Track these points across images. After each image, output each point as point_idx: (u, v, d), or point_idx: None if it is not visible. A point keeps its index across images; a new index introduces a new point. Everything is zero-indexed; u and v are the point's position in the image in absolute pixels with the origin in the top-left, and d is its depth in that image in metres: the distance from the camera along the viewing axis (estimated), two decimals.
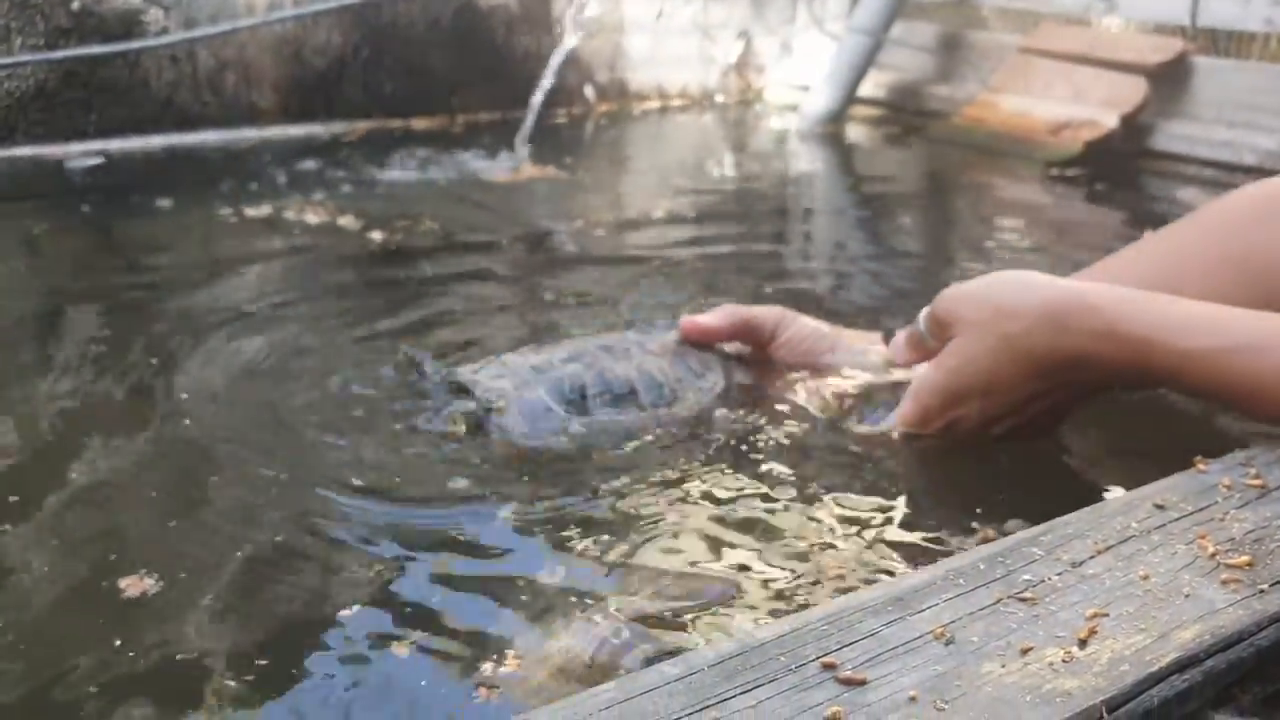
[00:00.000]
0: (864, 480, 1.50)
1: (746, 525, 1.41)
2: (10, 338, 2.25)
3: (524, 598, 1.27)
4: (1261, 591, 0.95)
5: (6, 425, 1.80)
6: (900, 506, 1.45)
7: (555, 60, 3.89)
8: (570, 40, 3.97)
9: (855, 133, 4.25)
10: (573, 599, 1.25)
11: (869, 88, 4.37)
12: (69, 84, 3.51)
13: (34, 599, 1.30)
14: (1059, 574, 0.92)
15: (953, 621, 0.82)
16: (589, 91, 4.46)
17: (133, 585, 1.30)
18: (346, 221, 2.87)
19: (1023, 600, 0.86)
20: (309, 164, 3.47)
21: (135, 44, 3.52)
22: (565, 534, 1.39)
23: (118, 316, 2.33)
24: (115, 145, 3.59)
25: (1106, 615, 0.87)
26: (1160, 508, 1.09)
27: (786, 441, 1.61)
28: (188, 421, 1.77)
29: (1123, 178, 3.55)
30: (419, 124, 4.09)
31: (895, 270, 2.78)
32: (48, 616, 1.28)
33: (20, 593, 1.32)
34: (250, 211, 2.96)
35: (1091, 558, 0.97)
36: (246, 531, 1.42)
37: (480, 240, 2.86)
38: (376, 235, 2.79)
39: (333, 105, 3.93)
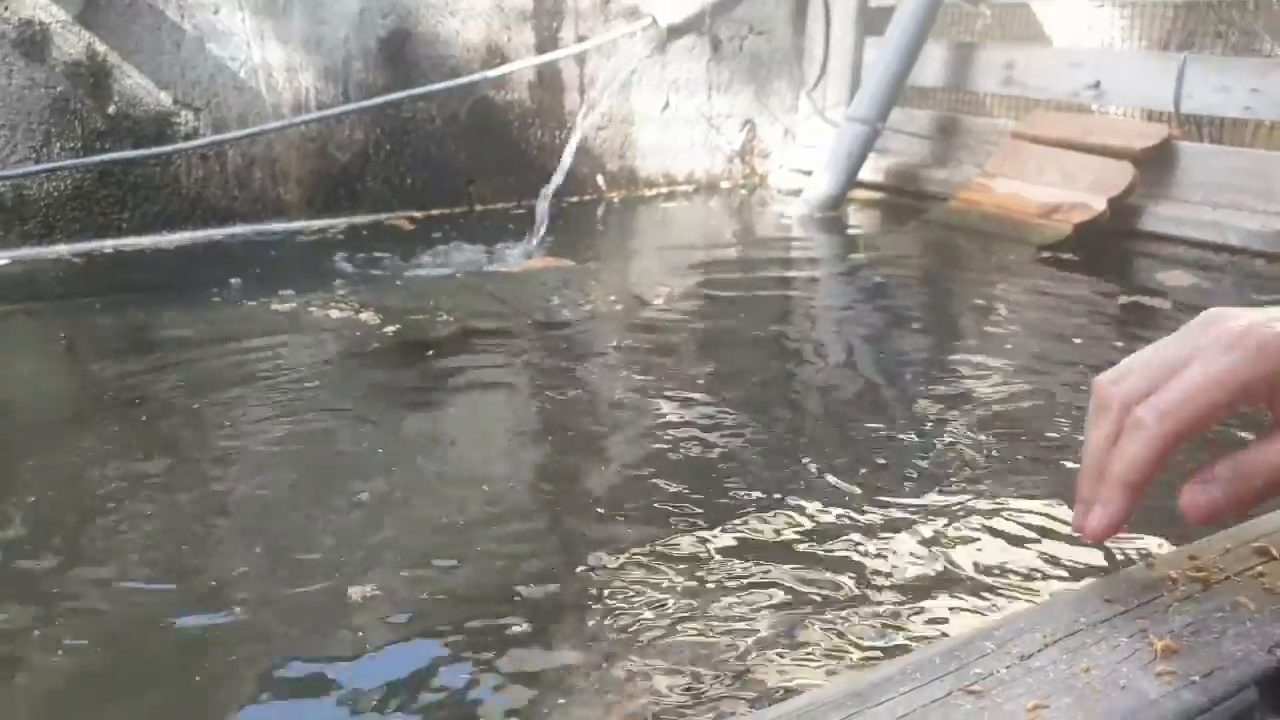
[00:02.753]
0: None
1: None
2: (50, 432, 2.39)
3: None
4: (1193, 682, 1.06)
5: (46, 505, 1.94)
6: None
7: (567, 157, 4.06)
8: (580, 135, 4.14)
9: (856, 216, 4.40)
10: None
11: (869, 172, 4.53)
12: (104, 183, 3.71)
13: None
14: (1007, 667, 1.03)
15: (906, 715, 0.93)
16: (600, 180, 4.64)
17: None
18: (367, 316, 3.02)
19: (971, 693, 0.97)
20: (332, 256, 3.63)
21: (168, 148, 3.72)
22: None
23: (147, 408, 2.47)
24: (148, 241, 3.78)
25: (1047, 707, 0.97)
26: (1109, 601, 1.20)
27: None
28: (223, 505, 1.91)
29: (1111, 258, 3.68)
30: (438, 214, 4.27)
31: (895, 347, 2.91)
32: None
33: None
34: (276, 306, 3.11)
35: (1039, 650, 1.08)
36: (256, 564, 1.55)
37: (492, 329, 3.01)
38: (393, 329, 2.93)
39: (356, 198, 4.12)
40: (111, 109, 3.65)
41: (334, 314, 3.05)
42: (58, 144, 3.59)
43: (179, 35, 3.71)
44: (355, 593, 1.65)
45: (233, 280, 3.37)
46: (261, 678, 1.47)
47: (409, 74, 4.12)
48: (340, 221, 4.09)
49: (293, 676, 1.48)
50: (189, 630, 1.59)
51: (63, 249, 3.65)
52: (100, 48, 3.59)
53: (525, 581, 1.69)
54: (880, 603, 1.62)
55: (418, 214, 4.24)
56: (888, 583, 1.68)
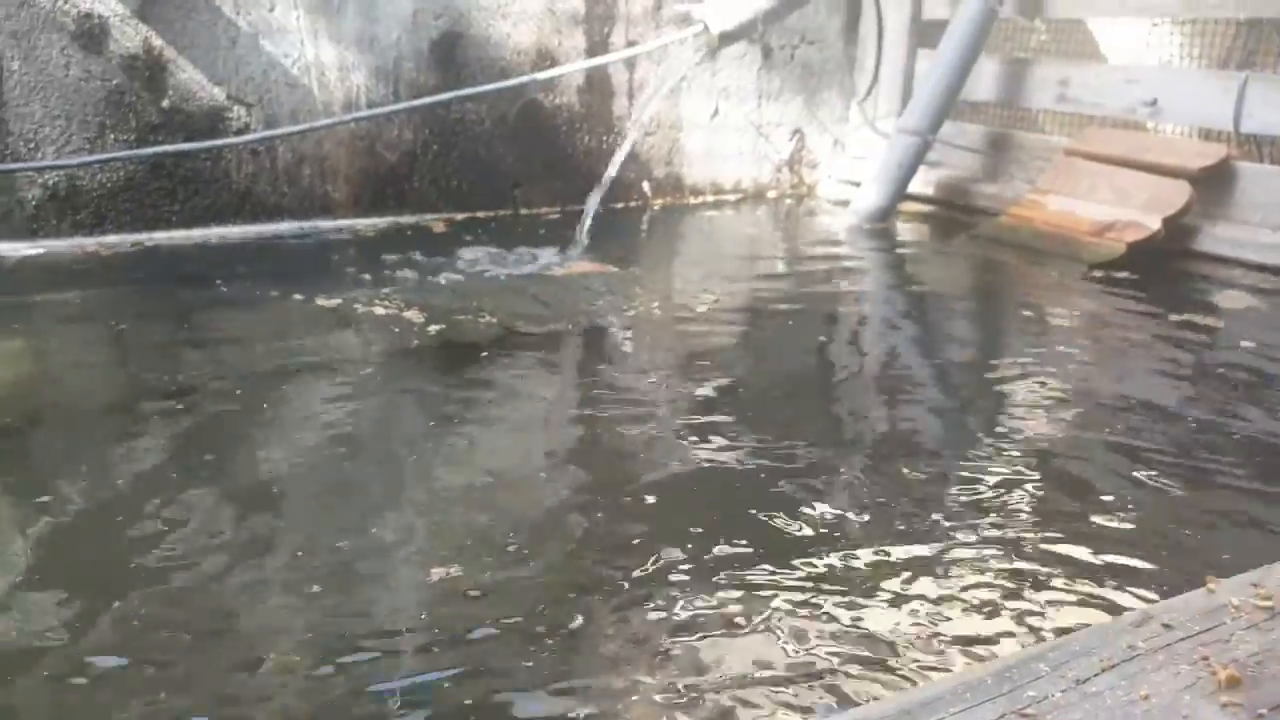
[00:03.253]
0: None
1: None
2: (98, 423, 2.40)
3: None
4: (1260, 716, 1.02)
5: (101, 493, 1.94)
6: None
7: (618, 159, 4.03)
8: (632, 139, 4.12)
9: (905, 229, 4.36)
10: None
11: (919, 184, 4.49)
12: (156, 176, 3.74)
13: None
14: (1062, 691, 1.00)
15: None
16: (645, 186, 4.63)
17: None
18: (412, 315, 3.02)
19: (1025, 716, 0.94)
20: (378, 255, 3.64)
21: (219, 141, 3.74)
22: None
23: (193, 400, 2.48)
24: (197, 234, 3.81)
25: None
26: (1168, 627, 1.16)
27: None
28: (263, 495, 1.91)
29: (1165, 278, 3.61)
30: (484, 217, 4.27)
31: (941, 370, 2.87)
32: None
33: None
34: (322, 301, 3.12)
35: (1096, 675, 1.04)
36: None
37: (534, 332, 2.99)
38: (436, 328, 2.93)
39: (402, 198, 4.13)
40: (165, 102, 3.68)
41: (379, 311, 3.06)
42: (112, 136, 3.62)
43: (234, 31, 3.74)
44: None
45: (279, 274, 3.38)
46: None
47: (459, 75, 4.13)
48: (385, 221, 4.10)
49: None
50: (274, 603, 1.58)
51: (113, 239, 3.68)
52: (157, 42, 3.63)
53: (570, 587, 1.68)
54: (922, 623, 1.59)
55: (460, 216, 4.25)
56: (925, 606, 1.64)
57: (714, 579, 1.69)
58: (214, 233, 3.82)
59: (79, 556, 1.78)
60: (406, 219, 4.15)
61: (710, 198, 4.78)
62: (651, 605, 1.62)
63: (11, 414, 2.43)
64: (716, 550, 1.78)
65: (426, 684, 1.44)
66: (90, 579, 1.70)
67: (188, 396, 2.51)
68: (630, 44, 4.41)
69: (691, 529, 1.85)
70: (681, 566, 1.73)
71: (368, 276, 3.41)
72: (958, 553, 1.80)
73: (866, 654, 1.49)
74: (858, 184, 4.59)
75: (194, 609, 1.62)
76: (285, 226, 3.94)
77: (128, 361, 2.81)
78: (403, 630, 1.56)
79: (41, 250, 3.56)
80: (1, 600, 1.63)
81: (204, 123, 3.75)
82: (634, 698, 1.41)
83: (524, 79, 4.08)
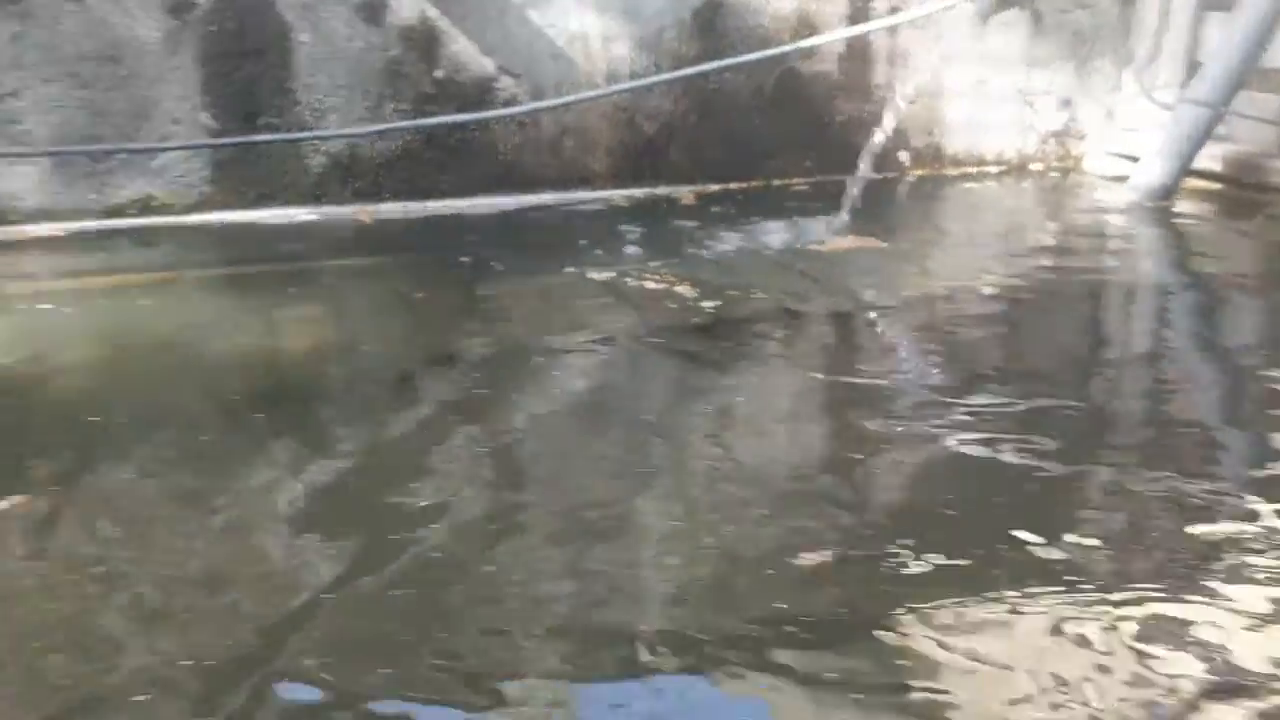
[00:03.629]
0: None
1: None
2: (381, 388, 2.48)
3: None
4: None
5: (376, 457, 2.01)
6: None
7: (887, 128, 3.87)
8: (898, 108, 3.96)
9: (1189, 208, 4.05)
10: None
11: (1203, 160, 4.16)
12: (430, 146, 3.84)
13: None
14: None
15: None
16: (903, 156, 4.46)
17: None
18: (684, 290, 3.00)
19: None
20: (641, 227, 3.64)
21: (489, 113, 3.81)
22: None
23: (473, 369, 2.54)
24: (464, 203, 3.90)
25: None
26: None
27: None
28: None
29: None
30: (736, 188, 4.22)
31: (1232, 374, 2.64)
32: None
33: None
34: (594, 274, 3.13)
35: None
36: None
37: (807, 311, 2.92)
38: (710, 304, 2.90)
39: (658, 170, 4.11)
40: (439, 73, 3.77)
41: (650, 285, 3.05)
42: (390, 105, 3.74)
43: (503, 2, 3.79)
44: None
45: (549, 246, 3.42)
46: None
47: (719, 44, 4.06)
48: (641, 192, 4.09)
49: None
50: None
51: (388, 207, 3.81)
52: (432, 13, 3.71)
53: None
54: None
55: (713, 187, 4.20)
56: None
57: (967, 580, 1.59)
58: (480, 202, 3.90)
59: (350, 513, 1.83)
60: (661, 190, 4.13)
61: (971, 169, 4.57)
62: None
63: (311, 376, 2.54)
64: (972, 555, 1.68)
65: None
66: (359, 533, 1.74)
67: (466, 365, 2.58)
68: (893, 10, 4.25)
69: (941, 521, 1.75)
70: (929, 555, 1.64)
71: (636, 248, 3.41)
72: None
73: None
74: (1131, 158, 4.30)
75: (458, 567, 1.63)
76: (546, 197, 3.98)
77: (411, 328, 2.90)
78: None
79: (323, 216, 3.71)
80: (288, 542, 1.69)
81: (474, 93, 3.82)
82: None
83: (788, 48, 3.99)
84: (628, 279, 3.11)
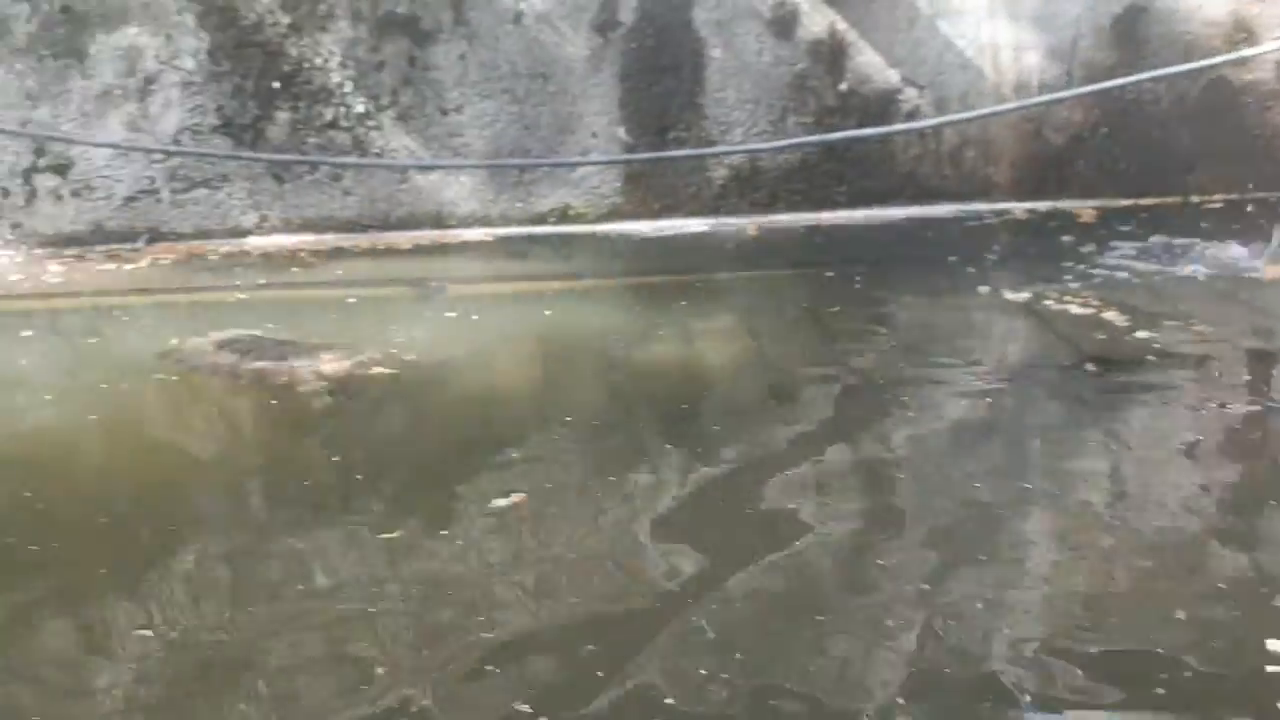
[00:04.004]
0: None
1: None
2: (776, 405, 2.51)
3: None
4: None
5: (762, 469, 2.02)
6: None
7: None
8: None
9: None
10: None
11: None
12: (828, 157, 3.86)
13: None
14: None
15: None
16: None
17: None
18: (1111, 316, 2.83)
19: None
20: (1047, 243, 3.48)
21: (898, 127, 3.77)
22: None
23: (843, 384, 2.53)
24: (860, 215, 3.89)
25: None
26: None
27: None
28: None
29: None
30: (1147, 203, 3.95)
31: None
32: None
33: None
34: (1009, 295, 3.03)
35: None
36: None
37: (1264, 350, 2.69)
38: (1146, 334, 2.72)
39: (1065, 182, 3.92)
40: (843, 86, 3.77)
41: (1073, 310, 2.90)
42: (792, 119, 3.78)
43: (913, 13, 3.73)
44: None
45: (951, 260, 3.34)
46: None
47: (1138, 52, 3.82)
48: (1043, 205, 3.92)
49: None
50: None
51: (784, 218, 3.86)
52: (841, 26, 3.72)
53: None
54: None
55: (1122, 201, 3.95)
56: None
57: None
58: (874, 214, 3.88)
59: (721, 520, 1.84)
60: (1064, 203, 3.93)
61: None
62: None
63: (721, 387, 2.61)
64: None
65: None
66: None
67: (835, 382, 2.56)
68: None
69: None
70: None
71: (1048, 267, 3.25)
72: None
73: None
74: None
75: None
76: (943, 209, 3.89)
77: (815, 343, 2.91)
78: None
79: (719, 227, 3.81)
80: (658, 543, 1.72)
81: (877, 106, 3.80)
82: None
83: (1219, 60, 3.69)
84: (1047, 301, 2.98)
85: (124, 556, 1.88)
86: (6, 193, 3.51)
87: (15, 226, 3.53)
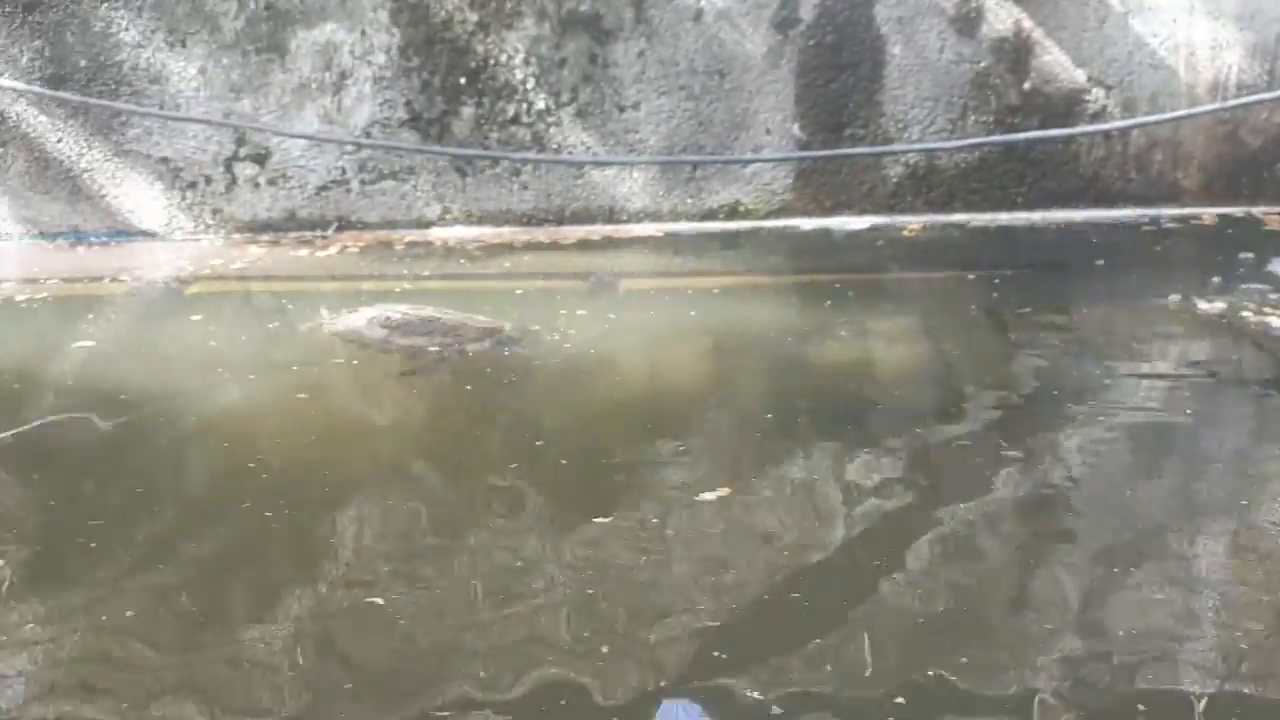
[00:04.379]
0: None
1: None
2: (941, 404, 2.46)
3: None
4: None
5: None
6: None
7: None
8: None
9: None
10: None
11: None
12: (1008, 158, 3.77)
13: None
14: None
15: None
16: None
17: None
18: None
19: None
20: (1242, 251, 3.33)
21: (1082, 129, 3.66)
22: None
23: (1045, 398, 2.46)
24: (1038, 216, 3.79)
25: None
26: None
27: None
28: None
29: None
30: None
31: None
32: None
33: None
34: (1203, 305, 2.92)
35: None
36: None
37: None
38: None
39: (1260, 187, 3.74)
40: (1026, 85, 3.68)
41: (1276, 322, 2.78)
42: (972, 117, 3.71)
43: (1105, 11, 3.61)
44: None
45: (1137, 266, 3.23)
46: None
47: None
48: (1237, 210, 3.76)
49: None
50: None
51: (960, 218, 3.78)
52: (1027, 24, 3.63)
53: None
54: None
55: None
56: None
57: None
58: (1053, 216, 3.77)
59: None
60: (1258, 209, 3.76)
61: None
62: None
63: (902, 389, 2.58)
64: None
65: None
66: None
67: (1044, 393, 2.50)
68: None
69: None
70: None
71: (1245, 277, 3.11)
72: None
73: None
74: None
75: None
76: (1125, 213, 3.76)
77: (995, 348, 2.85)
78: None
79: (891, 225, 3.76)
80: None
81: (1061, 106, 3.69)
82: None
83: None
84: (1245, 313, 2.86)
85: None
86: (209, 180, 3.70)
87: (215, 212, 3.73)
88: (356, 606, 1.77)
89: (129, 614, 1.76)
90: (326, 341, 2.87)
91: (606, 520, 1.98)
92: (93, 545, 1.99)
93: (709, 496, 2.02)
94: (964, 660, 1.56)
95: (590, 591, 1.77)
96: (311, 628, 1.75)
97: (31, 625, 1.76)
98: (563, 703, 1.53)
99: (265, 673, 1.64)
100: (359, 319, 2.95)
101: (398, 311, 2.98)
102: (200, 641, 1.70)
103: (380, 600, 1.77)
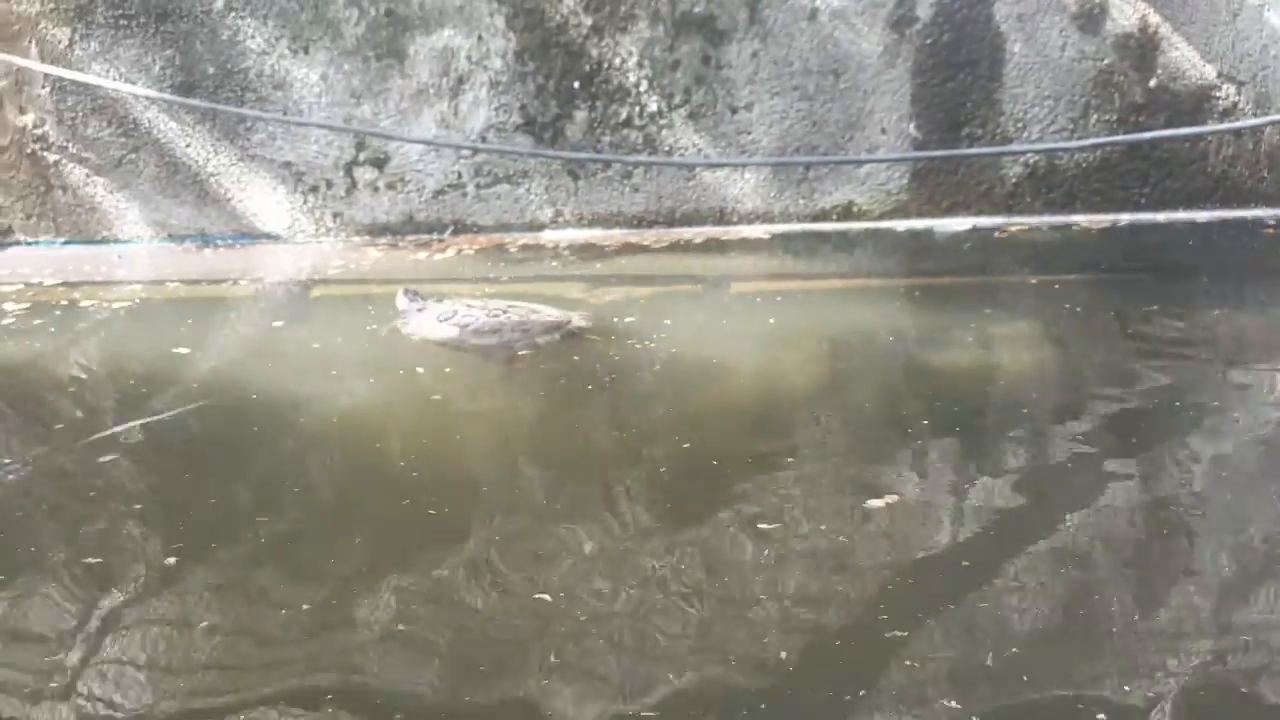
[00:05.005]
0: None
1: None
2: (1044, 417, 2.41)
3: None
4: None
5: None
6: None
7: None
8: None
9: None
10: None
11: None
12: (1131, 157, 3.66)
13: None
14: None
15: None
16: None
17: None
18: None
19: None
20: None
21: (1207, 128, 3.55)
22: None
23: (1180, 405, 2.39)
24: (1162, 217, 3.68)
25: None
26: None
27: None
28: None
29: None
30: None
31: None
32: None
33: None
34: None
35: None
36: None
37: None
38: None
39: None
40: (1152, 82, 3.58)
41: None
42: (1094, 116, 3.62)
43: (1238, 4, 3.49)
44: None
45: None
46: None
47: None
48: None
49: None
50: None
51: (1080, 219, 3.70)
52: (1154, 19, 3.52)
53: None
54: None
55: None
56: None
57: None
58: (1179, 217, 3.66)
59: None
60: None
61: None
62: None
63: (1029, 396, 2.53)
64: None
65: None
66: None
67: (1177, 399, 2.43)
68: None
69: None
70: None
71: None
72: None
73: None
74: None
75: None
76: (1257, 214, 3.64)
77: (1116, 355, 2.78)
78: None
79: (1008, 226, 3.69)
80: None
81: (1189, 103, 3.58)
82: None
83: None
84: None
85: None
86: (330, 184, 3.79)
87: (336, 216, 3.82)
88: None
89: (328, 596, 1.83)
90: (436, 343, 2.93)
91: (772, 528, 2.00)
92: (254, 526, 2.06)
93: (877, 504, 2.03)
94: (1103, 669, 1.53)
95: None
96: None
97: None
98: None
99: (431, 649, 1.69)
100: (442, 323, 3.00)
101: (496, 308, 3.02)
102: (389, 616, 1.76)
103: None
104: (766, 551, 1.91)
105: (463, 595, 1.87)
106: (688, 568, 1.90)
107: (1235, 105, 3.58)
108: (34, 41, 3.69)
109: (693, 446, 2.34)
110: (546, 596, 1.81)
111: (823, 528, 2.00)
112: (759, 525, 1.98)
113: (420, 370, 2.80)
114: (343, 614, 1.82)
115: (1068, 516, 1.99)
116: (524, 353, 2.84)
